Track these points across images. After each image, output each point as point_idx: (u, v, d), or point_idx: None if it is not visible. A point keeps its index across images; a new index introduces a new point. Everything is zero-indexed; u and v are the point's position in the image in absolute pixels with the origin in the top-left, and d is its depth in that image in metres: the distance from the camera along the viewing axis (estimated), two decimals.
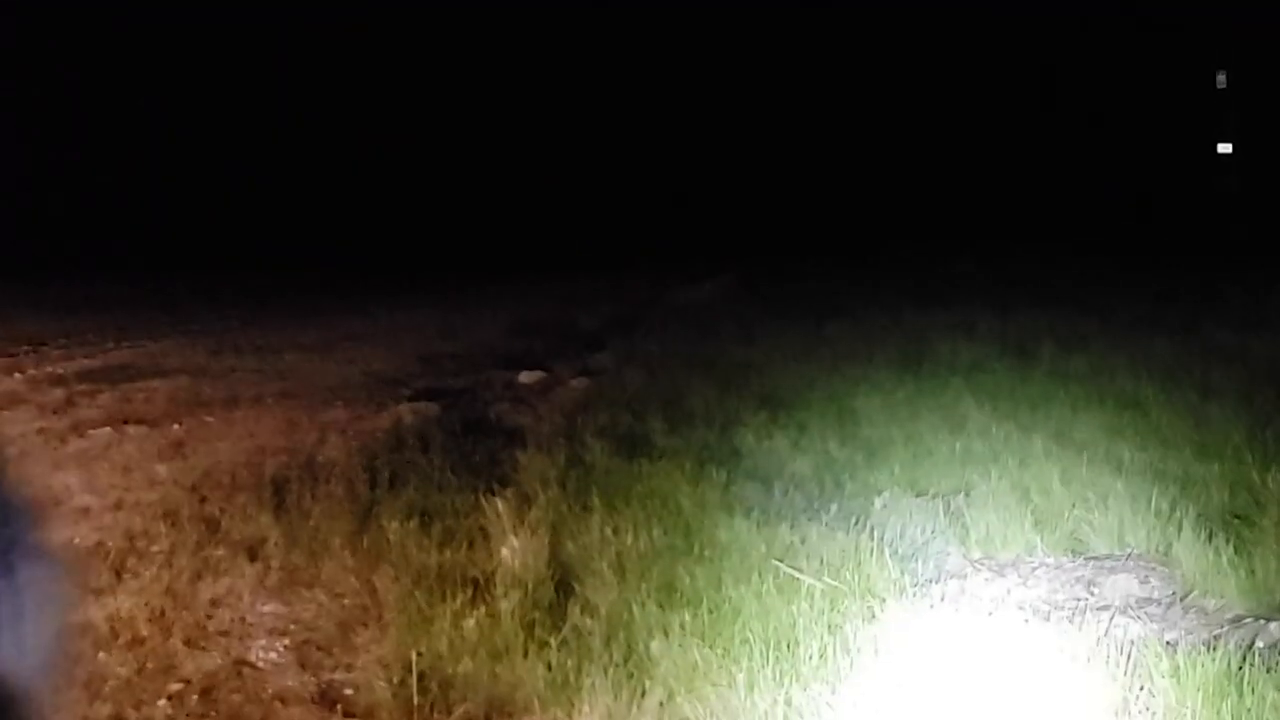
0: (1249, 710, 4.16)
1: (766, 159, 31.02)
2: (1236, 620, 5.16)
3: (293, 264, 25.30)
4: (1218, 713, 4.17)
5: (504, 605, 5.21)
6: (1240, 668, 4.38)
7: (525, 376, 10.79)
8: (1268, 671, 4.36)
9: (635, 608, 5.26)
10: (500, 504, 6.50)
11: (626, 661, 4.83)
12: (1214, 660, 4.42)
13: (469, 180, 31.72)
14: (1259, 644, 4.79)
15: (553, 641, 4.96)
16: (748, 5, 30.72)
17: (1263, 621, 5.04)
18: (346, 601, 5.48)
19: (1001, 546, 6.26)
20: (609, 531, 6.17)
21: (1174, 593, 5.58)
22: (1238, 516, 6.28)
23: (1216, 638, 4.96)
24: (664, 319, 13.52)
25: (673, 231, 24.86)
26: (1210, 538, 5.94)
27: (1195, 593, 5.52)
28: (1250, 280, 13.54)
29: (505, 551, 5.90)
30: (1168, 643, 4.97)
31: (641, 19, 30.83)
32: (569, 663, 4.79)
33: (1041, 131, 30.68)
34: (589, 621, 5.18)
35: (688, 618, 5.16)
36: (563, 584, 5.65)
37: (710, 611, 5.23)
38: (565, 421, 8.95)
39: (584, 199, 27.45)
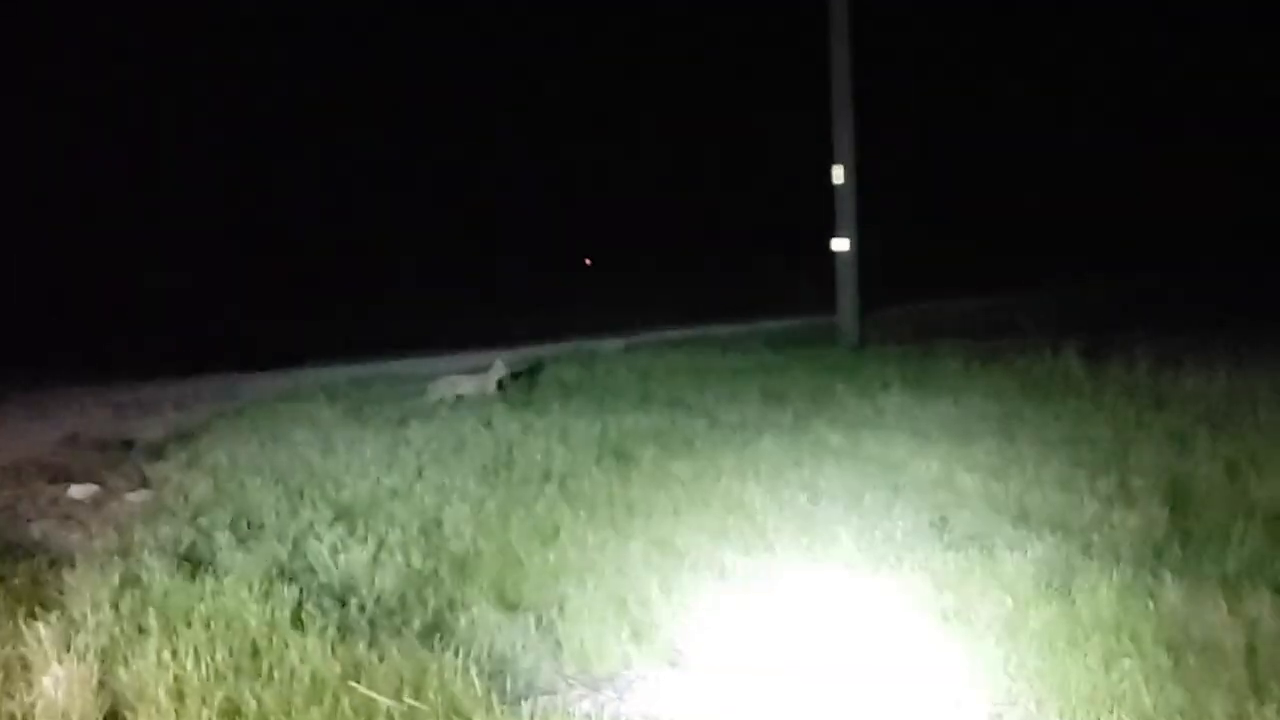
0: None
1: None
2: None
3: None
4: None
5: None
6: None
7: (76, 491, 10.48)
8: None
9: None
10: (43, 629, 6.32)
11: None
12: None
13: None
14: None
15: None
16: None
17: None
18: None
19: (597, 660, 6.48)
20: (166, 655, 6.16)
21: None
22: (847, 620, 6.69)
23: None
24: (233, 424, 13.32)
25: (247, 328, 24.46)
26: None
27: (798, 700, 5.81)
28: (861, 380, 14.32)
29: (48, 681, 5.76)
30: None
31: None
32: None
33: None
34: None
35: None
36: (113, 715, 5.58)
37: None
38: (120, 538, 8.82)
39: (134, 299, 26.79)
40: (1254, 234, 28.91)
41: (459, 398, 14.64)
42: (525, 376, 16.18)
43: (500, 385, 14.97)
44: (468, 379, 15.18)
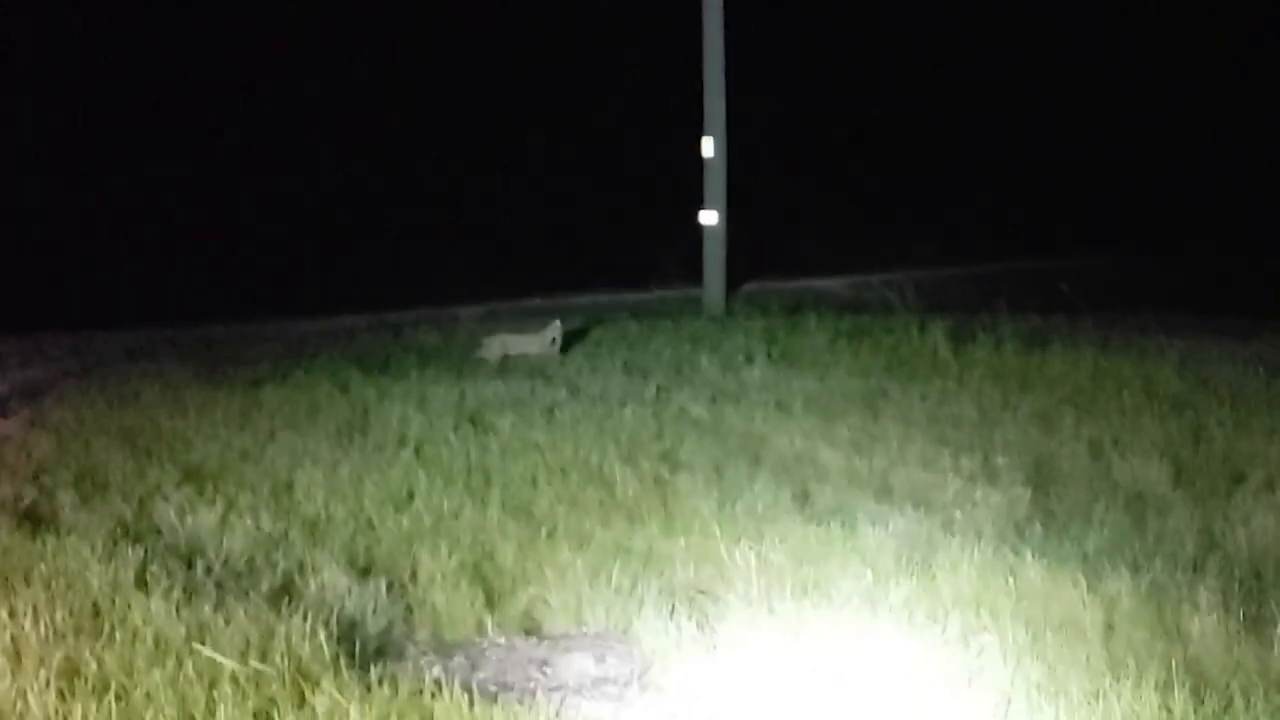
0: None
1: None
2: None
3: None
4: None
5: None
6: None
7: None
8: None
9: (31, 696, 5.14)
10: None
11: None
12: None
13: None
14: None
15: None
16: None
17: None
18: None
19: (449, 627, 6.50)
20: (4, 614, 6.04)
21: (632, 671, 5.88)
22: (702, 592, 6.67)
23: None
24: (81, 384, 13.09)
25: (94, 283, 23.96)
26: (672, 613, 6.31)
27: (654, 670, 5.82)
28: (725, 353, 14.40)
29: None
30: None
31: None
32: None
33: None
34: None
35: (93, 706, 5.10)
36: None
37: (119, 699, 5.18)
38: None
39: None
40: (1134, 219, 29.46)
41: (507, 357, 14.63)
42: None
43: (554, 343, 14.93)
44: (523, 338, 15.16)
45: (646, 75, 30.22)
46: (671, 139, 24.28)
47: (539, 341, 14.91)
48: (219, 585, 6.82)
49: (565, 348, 14.92)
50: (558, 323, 15.13)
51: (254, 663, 5.61)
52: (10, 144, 26.80)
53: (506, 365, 14.30)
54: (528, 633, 6.55)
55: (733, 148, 20.53)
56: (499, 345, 14.87)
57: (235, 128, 29.73)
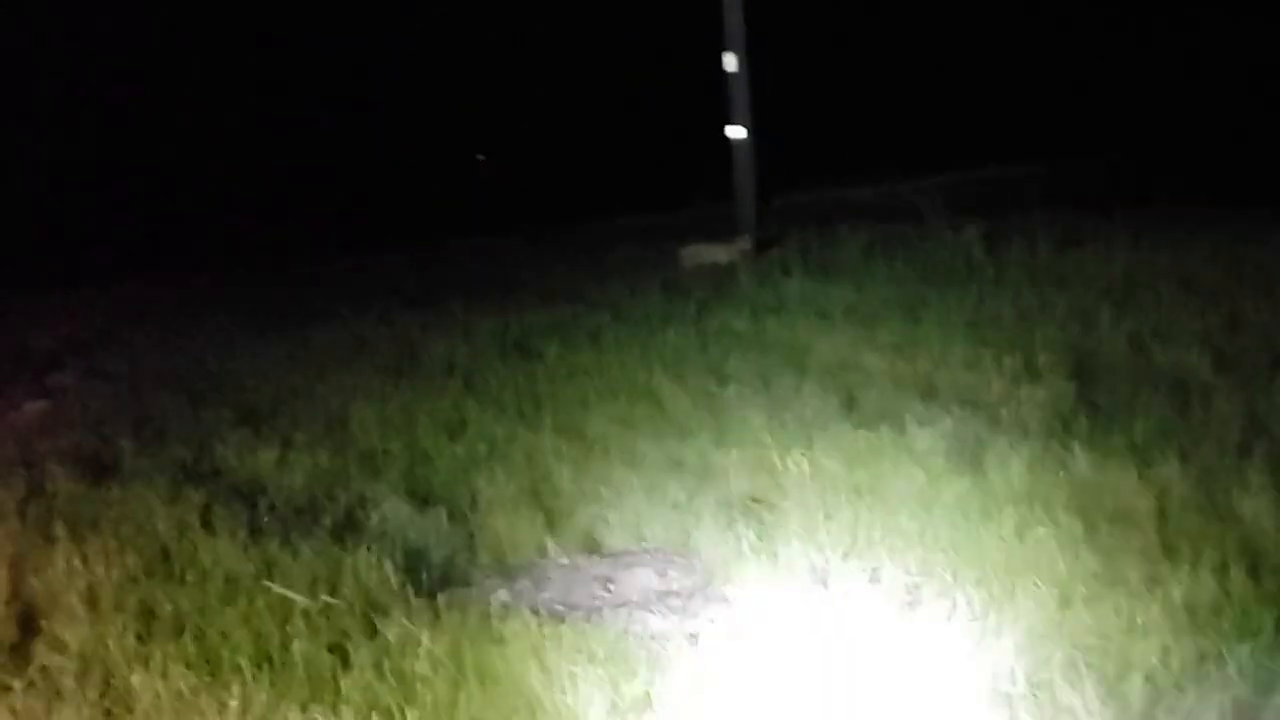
0: None
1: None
2: None
3: None
4: None
5: None
6: None
7: None
8: None
9: (110, 640, 5.20)
10: None
11: (103, 697, 4.78)
12: None
13: None
14: None
15: (17, 685, 4.84)
16: None
17: None
18: None
19: (511, 551, 6.53)
20: (77, 562, 6.14)
21: (694, 584, 5.91)
22: (757, 501, 6.68)
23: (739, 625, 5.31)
24: (130, 332, 13.15)
25: (135, 237, 24.01)
26: (730, 525, 6.33)
27: (716, 581, 5.84)
28: (763, 266, 14.36)
29: None
30: (690, 634, 5.27)
31: None
32: (37, 705, 4.68)
33: None
34: (58, 659, 5.09)
35: (170, 647, 5.17)
36: (27, 621, 5.55)
37: (196, 639, 5.24)
38: (20, 448, 8.69)
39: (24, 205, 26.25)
40: (1151, 117, 29.13)
41: (700, 266, 15.12)
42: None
43: (744, 253, 15.43)
44: (715, 248, 15.67)
45: None
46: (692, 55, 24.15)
47: (728, 251, 15.48)
48: (283, 522, 6.87)
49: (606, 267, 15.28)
50: (748, 235, 15.97)
51: (324, 596, 5.66)
52: (62, 99, 26.84)
53: (699, 272, 14.67)
54: (589, 552, 6.57)
55: (755, 61, 20.38)
56: (693, 255, 15.48)
57: (278, 73, 29.69)
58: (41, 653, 5.26)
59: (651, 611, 5.75)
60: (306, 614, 5.52)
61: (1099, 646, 4.91)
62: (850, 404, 8.48)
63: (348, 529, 6.75)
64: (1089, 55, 31.37)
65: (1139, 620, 5.03)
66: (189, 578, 6.01)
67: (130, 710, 4.77)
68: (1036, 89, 30.25)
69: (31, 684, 4.99)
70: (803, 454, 7.29)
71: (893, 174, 23.85)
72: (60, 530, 6.63)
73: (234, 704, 4.75)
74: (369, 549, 6.22)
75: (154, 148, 27.93)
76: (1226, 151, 23.91)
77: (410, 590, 5.79)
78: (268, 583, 5.82)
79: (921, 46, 31.04)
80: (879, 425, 7.78)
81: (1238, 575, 5.25)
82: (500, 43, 31.18)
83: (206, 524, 6.75)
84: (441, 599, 5.74)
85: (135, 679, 4.97)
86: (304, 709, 4.75)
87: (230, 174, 27.85)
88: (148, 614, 5.60)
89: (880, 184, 23.33)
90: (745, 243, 15.57)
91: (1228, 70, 29.80)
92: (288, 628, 5.39)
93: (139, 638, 5.35)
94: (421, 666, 5.00)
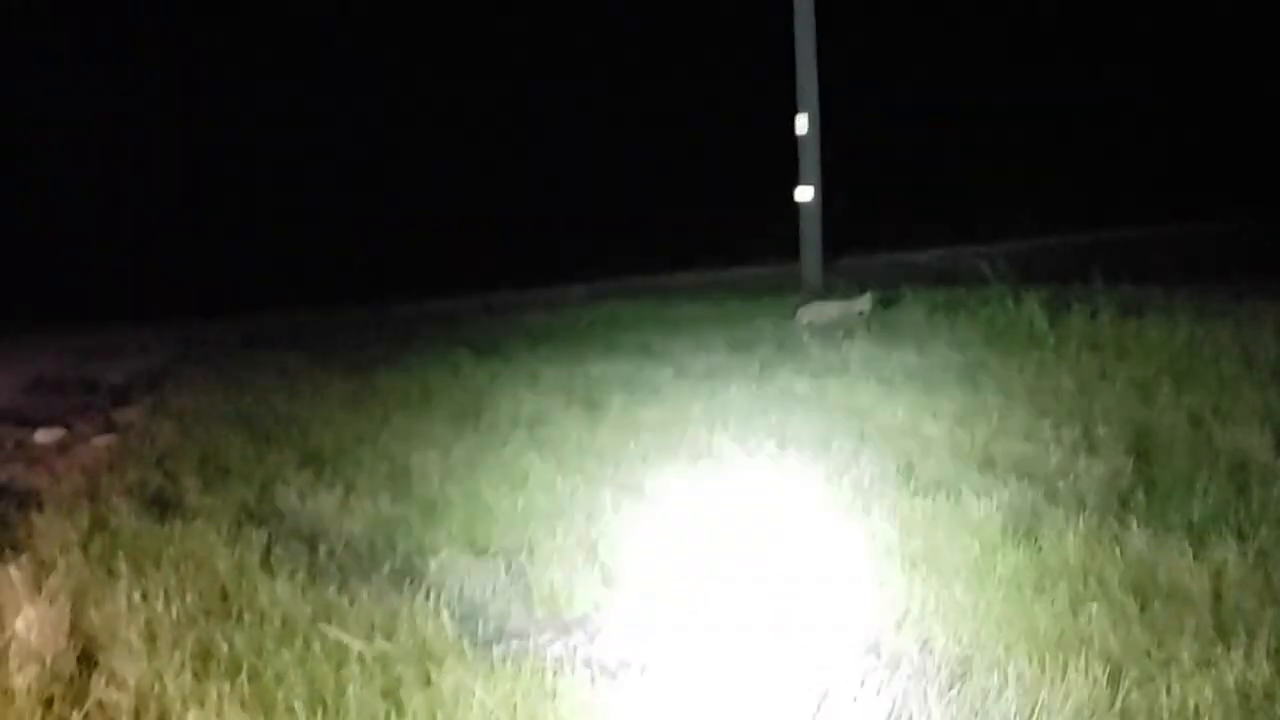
0: None
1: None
2: None
3: None
4: None
5: (18, 681, 5.11)
6: None
7: (42, 435, 10.50)
8: None
9: (167, 677, 5.25)
10: (14, 571, 6.34)
11: None
12: None
13: None
14: None
15: (74, 717, 4.86)
16: None
17: None
18: None
19: (567, 605, 6.48)
20: (137, 597, 6.21)
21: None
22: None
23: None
24: (198, 369, 13.28)
25: (207, 273, 24.28)
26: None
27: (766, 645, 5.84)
28: (823, 329, 14.35)
29: (20, 623, 5.78)
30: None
31: None
32: None
33: None
34: (115, 694, 5.13)
35: (226, 686, 5.20)
36: (85, 656, 5.66)
37: (251, 679, 5.27)
38: (87, 482, 8.84)
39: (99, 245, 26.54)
40: (1223, 187, 28.96)
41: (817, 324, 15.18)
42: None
43: (861, 314, 15.41)
44: (835, 305, 15.81)
45: (738, 53, 30.12)
46: (763, 117, 24.26)
47: (848, 309, 15.54)
48: (341, 567, 6.91)
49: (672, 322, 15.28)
50: (868, 295, 15.81)
51: (380, 642, 5.69)
52: (108, 137, 27.20)
53: (813, 328, 14.78)
54: (645, 609, 6.57)
55: (826, 124, 20.47)
56: (814, 311, 15.65)
57: (345, 115, 30.00)
58: (99, 687, 5.30)
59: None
60: (362, 659, 5.55)
61: None
62: (908, 470, 8.46)
63: (406, 576, 6.76)
64: (1157, 125, 31.29)
65: (1191, 702, 4.97)
66: (247, 618, 6.04)
67: None
68: (1105, 156, 30.19)
69: (88, 717, 5.04)
70: (858, 520, 7.29)
71: (956, 238, 23.85)
72: (122, 566, 6.68)
73: None
74: (426, 597, 6.24)
75: (228, 185, 28.26)
76: None
77: (465, 641, 5.81)
78: (324, 626, 5.86)
79: (987, 113, 31.06)
80: (935, 494, 7.76)
81: None
82: (571, 95, 31.40)
83: (266, 565, 6.79)
84: (496, 651, 5.76)
85: (190, 717, 5.01)
86: None
87: (303, 214, 28.14)
88: (205, 653, 5.63)
89: (944, 248, 23.31)
90: (865, 303, 15.55)
91: None
92: (343, 672, 5.41)
93: (195, 676, 5.38)
94: (474, 717, 5.01)
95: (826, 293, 18.31)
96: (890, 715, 5.10)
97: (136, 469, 9.15)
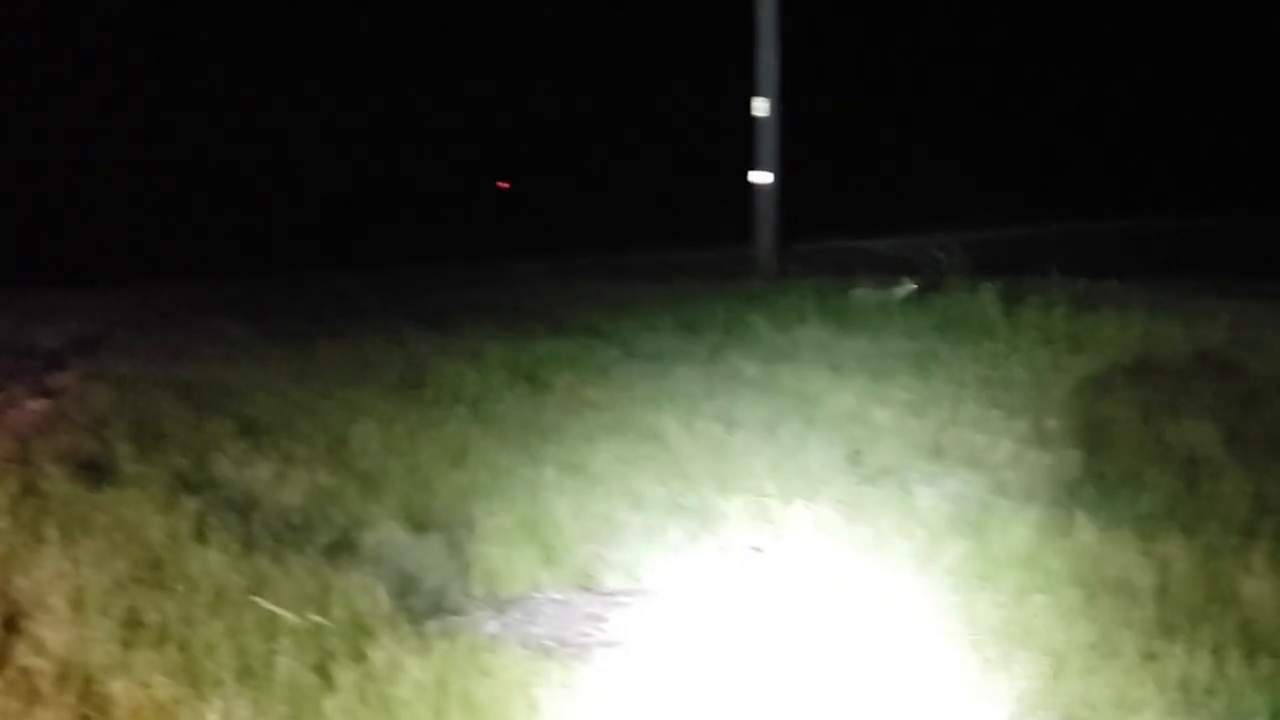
0: None
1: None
2: None
3: None
4: None
5: None
6: None
7: None
8: None
9: (94, 645, 5.18)
10: None
11: (82, 702, 4.76)
12: None
13: None
14: None
15: None
16: None
17: None
18: None
19: (506, 582, 6.48)
20: (66, 564, 6.08)
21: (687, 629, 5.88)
22: (757, 549, 6.69)
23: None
24: (135, 337, 13.15)
25: (148, 238, 24.05)
26: (728, 571, 6.33)
27: (709, 628, 5.83)
28: (777, 313, 14.33)
29: None
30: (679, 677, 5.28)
31: None
32: (14, 706, 4.67)
33: None
34: (39, 661, 5.07)
35: (153, 655, 5.15)
36: (10, 622, 5.54)
37: (180, 649, 5.22)
38: (18, 446, 8.70)
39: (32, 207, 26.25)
40: (1187, 180, 29.13)
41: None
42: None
43: (906, 299, 15.15)
44: (876, 292, 15.43)
45: (698, 35, 30.08)
46: (722, 98, 24.24)
47: (889, 295, 15.19)
48: (276, 538, 6.86)
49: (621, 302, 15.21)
50: (909, 281, 15.47)
51: (312, 615, 5.65)
52: (58, 100, 26.95)
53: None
54: (583, 589, 6.55)
55: (786, 108, 20.45)
56: (859, 298, 15.17)
57: (290, 81, 29.80)
58: (22, 653, 5.25)
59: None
60: (294, 632, 5.51)
61: (1090, 718, 4.90)
62: (856, 457, 8.48)
63: (341, 549, 6.72)
64: (1122, 119, 31.44)
65: (1132, 695, 5.00)
66: (178, 587, 6.00)
67: (108, 716, 4.77)
68: (1065, 149, 30.32)
69: (10, 684, 4.99)
70: (805, 505, 7.29)
71: (913, 227, 23.88)
72: (51, 531, 6.62)
73: (213, 717, 4.75)
74: (361, 571, 6.22)
75: (172, 148, 28.03)
76: (1254, 224, 23.94)
77: (400, 616, 5.78)
78: (257, 598, 5.82)
79: (950, 102, 31.14)
80: (883, 481, 7.78)
81: (1235, 657, 5.22)
82: (531, 72, 31.32)
83: (199, 534, 6.74)
84: (431, 626, 5.73)
85: (115, 685, 4.96)
86: None
87: (247, 178, 27.96)
88: (133, 621, 5.59)
89: (900, 236, 23.32)
90: (906, 288, 15.43)
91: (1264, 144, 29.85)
92: (274, 644, 5.37)
93: (123, 644, 5.34)
94: (406, 693, 4.98)
95: (780, 277, 18.31)
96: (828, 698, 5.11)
97: (69, 434, 9.04)
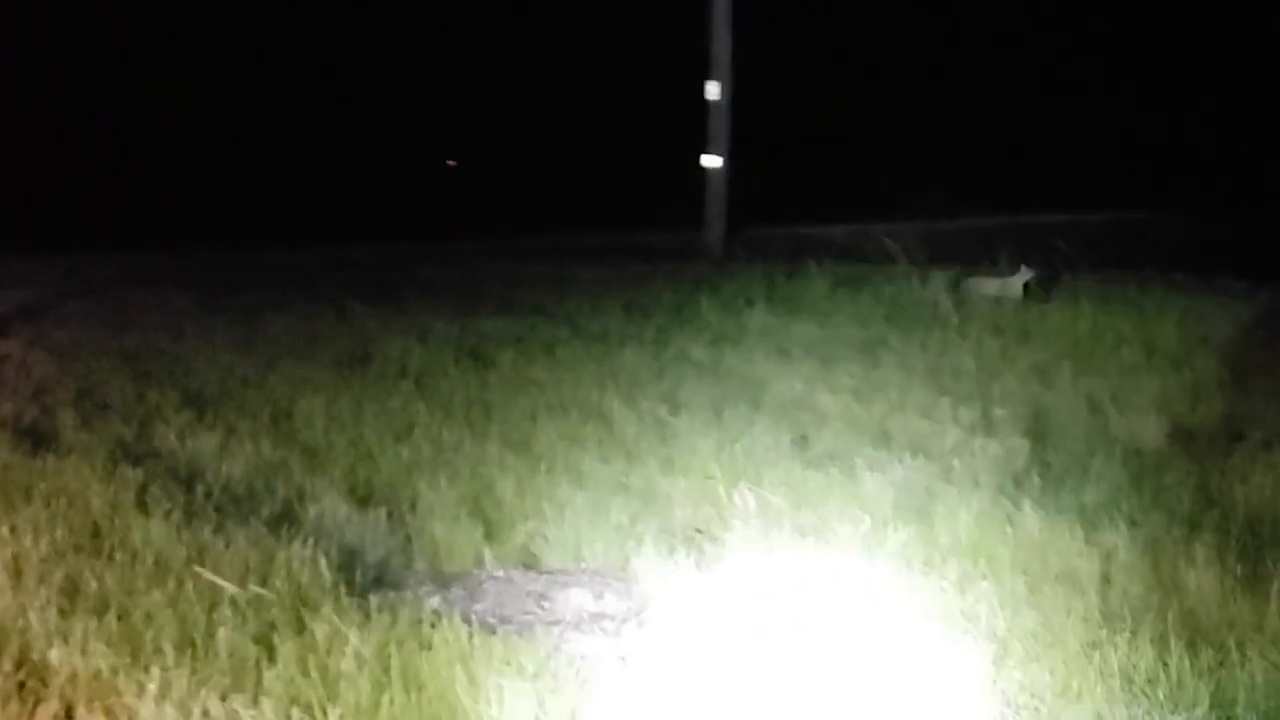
0: None
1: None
2: None
3: None
4: None
5: None
6: None
7: None
8: None
9: (32, 614, 5.16)
10: None
11: (18, 670, 4.74)
12: None
13: None
14: None
15: None
16: None
17: None
18: None
19: (448, 558, 6.50)
20: (5, 531, 6.06)
21: (629, 608, 5.88)
22: (700, 531, 6.68)
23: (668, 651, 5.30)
24: (81, 306, 13.10)
25: (96, 208, 23.90)
26: (671, 552, 6.33)
27: (651, 608, 5.82)
28: (726, 296, 14.36)
29: None
30: (620, 657, 5.26)
31: None
32: None
33: None
34: None
35: (93, 624, 5.12)
36: None
37: (120, 618, 5.19)
38: None
39: None
40: (1138, 174, 29.30)
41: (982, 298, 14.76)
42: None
43: (1027, 288, 14.99)
44: (994, 280, 15.31)
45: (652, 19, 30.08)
46: (675, 82, 24.25)
47: (1005, 285, 15.09)
48: (218, 509, 6.84)
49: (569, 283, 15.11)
50: (1026, 269, 15.27)
51: (254, 587, 5.64)
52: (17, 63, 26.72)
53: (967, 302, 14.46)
54: (526, 566, 6.55)
55: (738, 92, 20.48)
56: (973, 285, 15.14)
57: (243, 60, 29.67)
58: None
59: (583, 632, 5.74)
60: (235, 603, 5.50)
61: (1031, 706, 4.93)
62: (802, 442, 8.52)
63: (284, 522, 6.70)
64: (1075, 110, 31.58)
65: (1074, 684, 5.04)
66: (118, 556, 5.97)
67: (45, 685, 4.73)
68: (1019, 141, 30.45)
69: None
70: (750, 488, 7.31)
71: (866, 215, 23.94)
72: None
73: (153, 687, 4.72)
74: (304, 543, 6.20)
75: (122, 116, 27.83)
76: (1205, 221, 24.12)
77: (342, 589, 5.77)
78: (198, 568, 5.80)
79: (906, 93, 31.20)
80: (829, 466, 7.81)
81: (1176, 647, 5.26)
82: (484, 51, 31.24)
83: (141, 504, 6.72)
84: (373, 600, 5.73)
85: (53, 654, 4.93)
86: (224, 698, 4.72)
87: (199, 152, 27.80)
88: (72, 590, 5.56)
89: (853, 223, 23.37)
90: (1024, 276, 15.25)
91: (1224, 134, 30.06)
92: (214, 615, 5.36)
93: (61, 612, 5.31)
94: (347, 665, 4.97)
95: (729, 261, 18.33)
96: (768, 681, 5.12)
97: (11, 401, 9.01)
